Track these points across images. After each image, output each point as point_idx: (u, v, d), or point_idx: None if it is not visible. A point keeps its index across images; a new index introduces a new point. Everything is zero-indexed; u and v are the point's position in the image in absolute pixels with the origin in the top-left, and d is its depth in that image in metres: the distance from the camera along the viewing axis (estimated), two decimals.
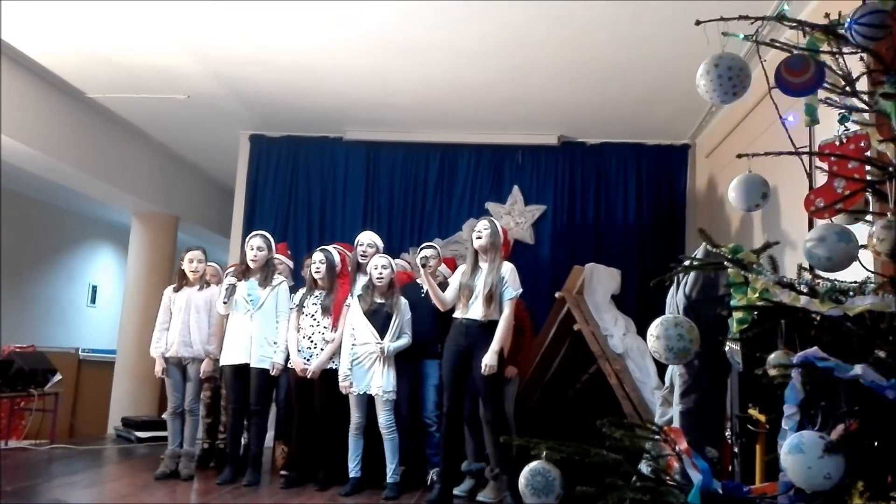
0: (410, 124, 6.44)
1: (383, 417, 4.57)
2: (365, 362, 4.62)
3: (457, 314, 4.44)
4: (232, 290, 4.80)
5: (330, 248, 5.06)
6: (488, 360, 4.22)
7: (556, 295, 5.32)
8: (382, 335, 4.60)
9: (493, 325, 4.32)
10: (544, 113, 6.04)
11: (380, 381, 4.56)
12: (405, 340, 4.68)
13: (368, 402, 4.64)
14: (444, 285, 4.66)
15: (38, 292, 9.17)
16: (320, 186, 6.76)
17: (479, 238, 4.42)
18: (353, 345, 4.65)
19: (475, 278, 4.40)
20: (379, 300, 4.68)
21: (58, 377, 6.40)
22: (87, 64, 5.44)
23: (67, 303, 9.77)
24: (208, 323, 5.00)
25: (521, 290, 4.45)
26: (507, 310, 4.33)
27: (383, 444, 4.60)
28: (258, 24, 4.67)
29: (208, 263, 5.20)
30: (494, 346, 4.25)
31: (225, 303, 4.81)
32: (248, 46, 5.01)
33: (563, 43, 4.74)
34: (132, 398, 7.45)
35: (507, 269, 4.41)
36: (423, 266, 4.46)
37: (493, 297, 4.31)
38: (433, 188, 6.64)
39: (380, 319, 4.64)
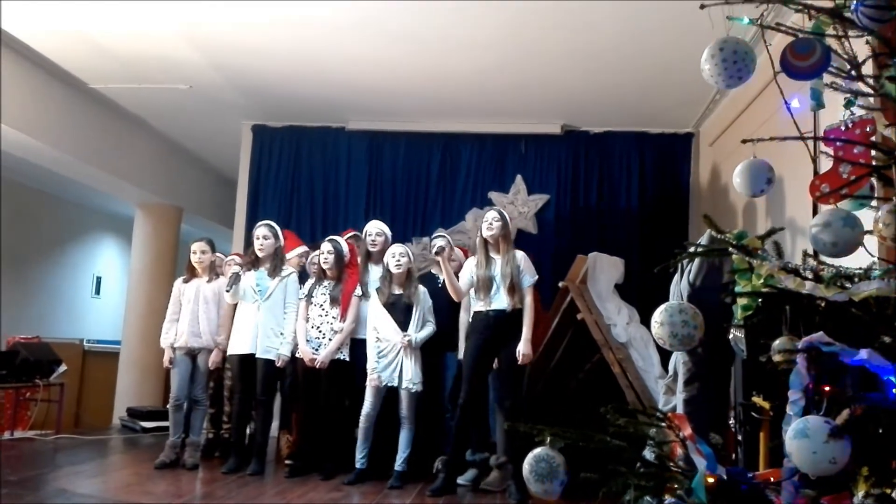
0: (413, 114, 6.42)
1: (406, 409, 4.58)
2: (389, 355, 4.62)
3: (479, 307, 4.45)
4: (235, 278, 4.80)
5: (339, 237, 5.06)
6: (524, 348, 4.30)
7: (560, 284, 5.30)
8: (404, 326, 4.60)
9: (518, 313, 4.37)
10: (547, 102, 6.01)
11: (407, 374, 4.56)
12: (430, 329, 4.69)
13: (386, 393, 4.65)
14: (458, 272, 4.66)
15: (43, 283, 9.19)
16: (323, 176, 6.75)
17: (491, 229, 4.43)
18: (377, 339, 4.65)
19: (491, 269, 4.41)
20: (397, 291, 4.68)
21: (63, 368, 6.42)
22: (89, 54, 5.43)
23: (72, 294, 9.79)
24: (217, 314, 5.02)
25: (537, 277, 4.50)
26: (529, 297, 4.40)
27: (399, 433, 4.61)
28: (259, 14, 4.65)
29: (216, 254, 5.21)
30: (527, 333, 4.33)
31: (228, 291, 4.82)
32: (249, 36, 4.99)
33: (566, 31, 4.71)
34: (137, 388, 7.48)
35: (521, 256, 4.46)
36: (439, 254, 4.44)
37: (515, 287, 4.35)
38: (436, 178, 6.63)
39: (400, 311, 4.64)
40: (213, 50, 5.27)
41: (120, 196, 7.89)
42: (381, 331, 4.66)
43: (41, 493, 4.01)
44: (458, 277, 4.53)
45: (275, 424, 5.25)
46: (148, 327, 7.34)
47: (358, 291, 4.87)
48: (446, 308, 4.83)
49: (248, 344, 4.83)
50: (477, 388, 4.44)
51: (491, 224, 4.45)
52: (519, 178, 6.51)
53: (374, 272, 4.94)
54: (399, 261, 4.67)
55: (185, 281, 5.09)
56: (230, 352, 4.91)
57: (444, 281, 4.82)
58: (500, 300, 4.38)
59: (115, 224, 10.41)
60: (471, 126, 6.52)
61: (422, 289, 4.76)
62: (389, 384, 4.61)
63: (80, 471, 4.73)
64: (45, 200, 9.12)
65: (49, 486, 4.22)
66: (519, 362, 4.31)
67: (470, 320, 4.58)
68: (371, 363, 4.63)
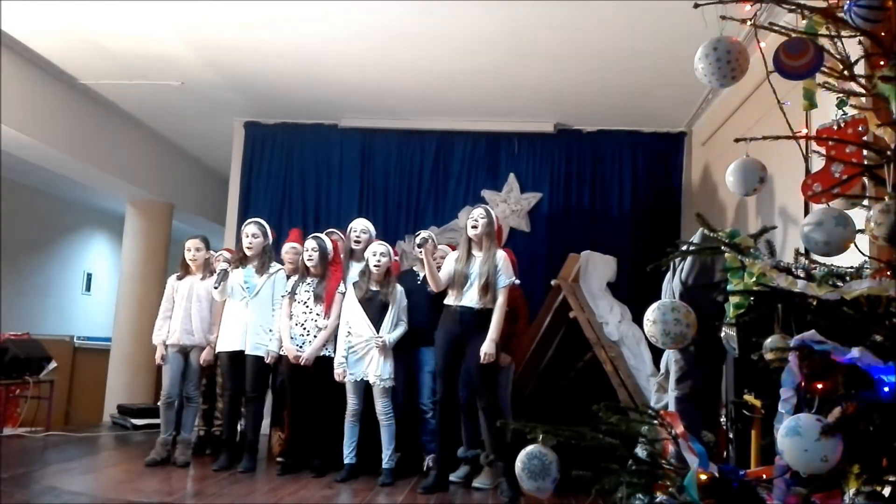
0: (406, 112, 6.41)
1: (380, 404, 4.58)
2: (360, 350, 4.62)
3: (450, 301, 4.44)
4: (223, 275, 4.79)
5: (322, 235, 5.06)
6: (487, 348, 4.25)
7: (552, 282, 5.32)
8: (378, 323, 4.60)
9: (487, 313, 4.34)
10: (540, 100, 6.02)
11: (376, 369, 4.56)
12: (402, 328, 4.69)
13: (365, 388, 4.65)
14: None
15: (33, 280, 9.14)
16: (315, 174, 6.74)
17: (475, 226, 4.42)
18: (348, 332, 4.65)
19: (469, 266, 4.40)
20: (374, 288, 4.68)
21: (53, 365, 6.39)
22: (80, 50, 5.40)
23: (62, 291, 9.75)
24: (210, 311, 5.01)
25: (513, 279, 4.45)
26: (501, 298, 4.35)
27: (380, 431, 4.61)
28: (253, 11, 4.63)
29: (210, 251, 5.19)
30: (492, 334, 4.28)
31: (216, 288, 4.81)
32: (242, 33, 4.97)
33: (560, 30, 4.72)
34: (128, 386, 7.45)
35: (500, 257, 4.43)
36: (421, 246, 4.43)
37: (489, 286, 4.32)
38: (429, 176, 6.63)
39: (375, 308, 4.64)
40: (205, 47, 5.25)
41: (111, 192, 7.85)
42: (353, 326, 4.66)
43: (31, 491, 3.98)
44: None
45: (266, 422, 5.24)
46: (139, 324, 7.32)
47: (342, 288, 4.86)
48: (425, 304, 4.81)
49: (237, 341, 4.82)
50: (451, 384, 4.43)
51: (476, 221, 4.44)
52: (512, 176, 6.52)
53: (356, 269, 4.94)
54: (379, 260, 4.67)
55: (179, 278, 5.08)
56: (219, 349, 4.89)
57: (424, 277, 4.84)
58: (471, 297, 4.37)
59: (106, 221, 10.37)
60: (464, 124, 6.52)
61: (399, 288, 4.76)
62: (361, 378, 4.61)
63: (70, 468, 4.71)
64: (35, 197, 9.06)
65: (39, 483, 4.19)
66: (481, 361, 4.25)
67: None
68: (338, 357, 4.63)
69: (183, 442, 4.93)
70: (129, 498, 3.95)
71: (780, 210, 4.20)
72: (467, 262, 4.42)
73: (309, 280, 4.87)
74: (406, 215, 6.59)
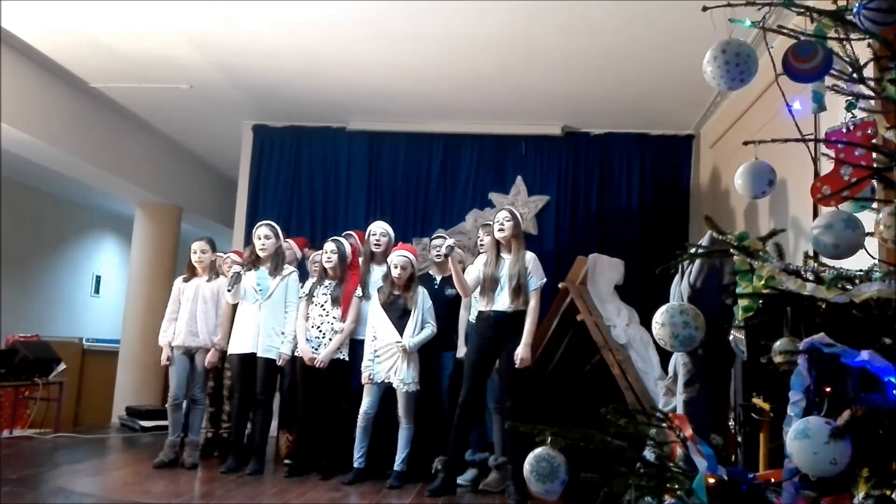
0: (413, 115, 6.42)
1: (403, 408, 4.59)
2: (384, 355, 4.63)
3: (482, 307, 4.43)
4: (237, 278, 4.80)
5: (341, 238, 5.08)
6: (522, 353, 4.26)
7: (560, 285, 5.31)
8: (401, 327, 4.61)
9: (520, 315, 4.34)
10: (548, 103, 6.02)
11: (401, 374, 4.57)
12: (429, 331, 4.69)
13: (383, 392, 4.66)
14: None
15: (42, 282, 9.19)
16: (323, 177, 6.75)
17: (503, 230, 4.39)
18: (374, 337, 4.66)
19: (499, 269, 4.39)
20: (396, 292, 4.69)
21: (62, 366, 6.42)
22: (90, 54, 5.43)
23: (71, 293, 9.79)
24: (216, 313, 5.02)
25: (545, 280, 4.46)
26: (534, 300, 4.36)
27: (397, 433, 4.62)
28: (260, 14, 4.65)
29: (216, 253, 5.20)
30: (527, 337, 4.29)
31: (229, 290, 4.82)
32: (250, 36, 4.99)
33: (567, 32, 4.72)
34: (136, 387, 7.48)
35: (530, 258, 4.42)
36: (448, 256, 4.39)
37: (520, 289, 4.31)
38: (436, 178, 6.63)
39: (397, 312, 4.65)
40: (214, 50, 5.27)
41: (120, 195, 7.89)
42: (378, 331, 4.67)
43: (40, 492, 4.01)
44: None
45: (274, 424, 5.25)
46: (147, 326, 7.34)
47: (359, 292, 4.87)
48: (444, 308, 4.84)
49: (249, 343, 4.83)
50: (477, 389, 4.44)
51: (503, 225, 4.40)
52: (519, 178, 6.51)
53: (377, 272, 4.94)
54: (400, 274, 4.67)
55: (186, 280, 5.10)
56: (230, 351, 4.91)
57: (440, 282, 4.87)
58: (503, 301, 4.36)
59: (115, 223, 10.41)
60: (471, 127, 6.52)
61: (421, 290, 4.77)
62: (386, 381, 4.61)
63: (78, 469, 4.73)
64: (45, 199, 9.11)
65: (48, 484, 4.21)
66: (516, 366, 4.27)
67: (471, 320, 4.58)
68: (365, 362, 4.65)
69: (190, 444, 4.94)
70: (138, 499, 3.96)
71: (789, 213, 4.19)
72: (496, 265, 4.41)
73: (327, 283, 4.88)
74: (413, 218, 6.59)
